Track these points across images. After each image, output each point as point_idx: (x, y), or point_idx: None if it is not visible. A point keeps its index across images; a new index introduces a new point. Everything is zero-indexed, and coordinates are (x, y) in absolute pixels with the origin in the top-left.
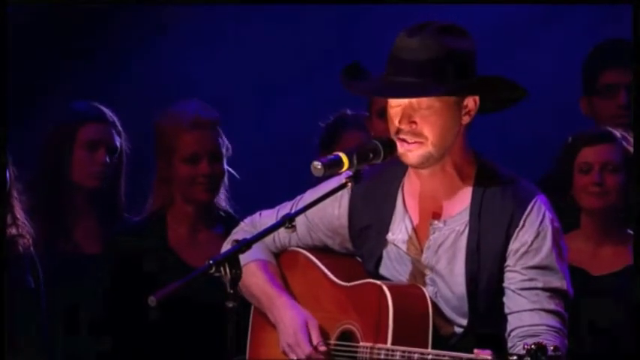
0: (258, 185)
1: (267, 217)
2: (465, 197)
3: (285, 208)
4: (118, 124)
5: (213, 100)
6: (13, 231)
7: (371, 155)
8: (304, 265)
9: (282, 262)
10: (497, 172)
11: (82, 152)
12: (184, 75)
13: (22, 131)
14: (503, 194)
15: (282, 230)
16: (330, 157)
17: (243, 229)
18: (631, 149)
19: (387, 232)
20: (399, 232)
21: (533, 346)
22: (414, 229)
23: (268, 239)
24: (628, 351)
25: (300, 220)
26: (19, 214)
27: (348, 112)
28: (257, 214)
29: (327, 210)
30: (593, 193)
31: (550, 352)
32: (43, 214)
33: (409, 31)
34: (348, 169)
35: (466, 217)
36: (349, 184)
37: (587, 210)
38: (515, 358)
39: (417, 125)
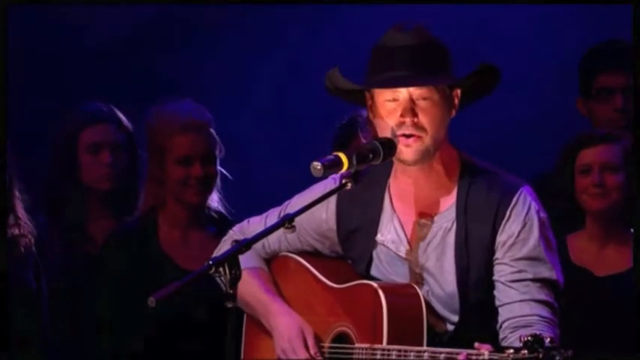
0: (251, 186)
1: (255, 224)
2: (450, 194)
3: (273, 215)
4: (123, 120)
5: (207, 99)
6: (15, 231)
7: (370, 156)
8: (295, 269)
9: (274, 268)
10: (481, 167)
11: (86, 156)
12: (183, 72)
13: (22, 131)
14: (489, 188)
15: (271, 236)
16: (330, 157)
17: (232, 237)
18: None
19: (375, 233)
20: (387, 233)
21: (529, 338)
22: (403, 229)
23: (258, 245)
24: (631, 351)
25: None
26: (21, 213)
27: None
28: (245, 221)
29: (315, 214)
30: (595, 195)
31: (547, 344)
32: (59, 216)
33: (398, 28)
34: (348, 169)
35: (453, 213)
36: (349, 184)
37: (589, 211)
38: (512, 351)
39: (419, 118)
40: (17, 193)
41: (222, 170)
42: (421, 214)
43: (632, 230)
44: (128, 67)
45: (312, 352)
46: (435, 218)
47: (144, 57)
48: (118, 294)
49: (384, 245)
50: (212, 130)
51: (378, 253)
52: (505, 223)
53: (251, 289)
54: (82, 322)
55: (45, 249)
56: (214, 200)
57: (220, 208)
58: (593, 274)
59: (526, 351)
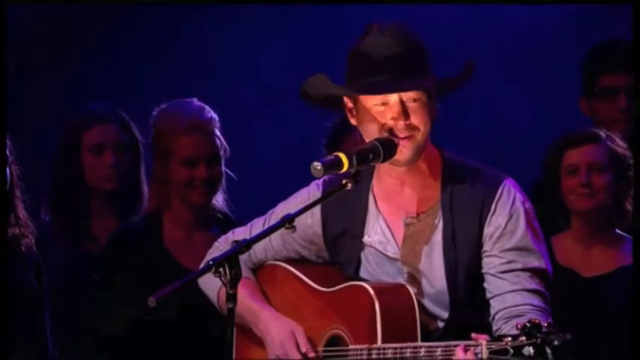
0: (256, 186)
1: (240, 234)
2: (435, 191)
3: (257, 224)
4: (126, 120)
5: (212, 99)
6: (16, 231)
7: (371, 156)
8: (283, 277)
9: (261, 277)
10: (463, 163)
11: (89, 157)
12: (185, 73)
13: (23, 131)
14: (472, 183)
15: (257, 246)
16: (330, 157)
17: (218, 248)
18: (617, 149)
19: (362, 235)
20: (374, 234)
21: (527, 324)
22: (389, 229)
23: (244, 256)
24: (618, 352)
25: (275, 233)
26: (22, 213)
27: None
28: (230, 232)
29: (299, 220)
30: (582, 195)
31: (544, 329)
32: (62, 216)
33: (377, 30)
34: (348, 169)
35: (438, 210)
36: (349, 185)
37: (576, 212)
38: (509, 338)
39: (410, 119)
40: (18, 194)
41: (227, 171)
42: (407, 213)
43: (624, 235)
44: (129, 66)
45: (303, 350)
46: (421, 216)
47: (145, 57)
48: (119, 294)
49: (371, 246)
50: (217, 131)
51: (366, 255)
52: (491, 217)
53: (239, 298)
54: (82, 322)
55: (47, 249)
56: (219, 201)
57: (225, 209)
58: (579, 275)
59: (524, 337)
